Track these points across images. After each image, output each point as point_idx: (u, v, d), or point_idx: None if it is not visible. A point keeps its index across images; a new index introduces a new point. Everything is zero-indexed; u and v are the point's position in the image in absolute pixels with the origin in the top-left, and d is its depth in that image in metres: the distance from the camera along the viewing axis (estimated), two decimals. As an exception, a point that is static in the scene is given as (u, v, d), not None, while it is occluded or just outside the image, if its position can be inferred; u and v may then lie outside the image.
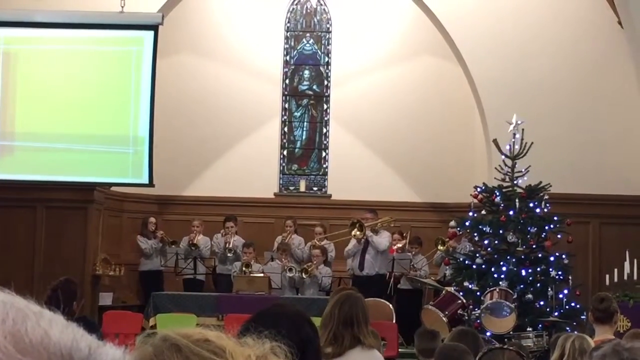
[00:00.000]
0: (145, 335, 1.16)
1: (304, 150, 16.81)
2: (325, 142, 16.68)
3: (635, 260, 11.95)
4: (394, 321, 11.38)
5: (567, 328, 10.01)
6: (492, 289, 10.45)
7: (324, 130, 16.70)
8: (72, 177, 13.41)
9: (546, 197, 11.33)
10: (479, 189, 11.62)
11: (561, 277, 11.03)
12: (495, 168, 11.73)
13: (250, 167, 16.07)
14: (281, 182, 16.63)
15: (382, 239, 13.65)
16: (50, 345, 0.93)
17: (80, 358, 0.95)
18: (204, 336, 1.12)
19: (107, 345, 0.99)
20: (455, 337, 5.66)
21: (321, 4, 16.84)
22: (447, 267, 12.22)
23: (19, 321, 0.93)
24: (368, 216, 13.84)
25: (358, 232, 13.51)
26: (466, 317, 10.38)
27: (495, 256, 11.11)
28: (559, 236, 11.37)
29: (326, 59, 16.81)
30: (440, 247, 13.75)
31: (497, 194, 11.37)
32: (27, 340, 0.92)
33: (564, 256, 11.12)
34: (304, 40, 16.92)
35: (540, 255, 11.16)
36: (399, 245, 14.06)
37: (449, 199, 15.45)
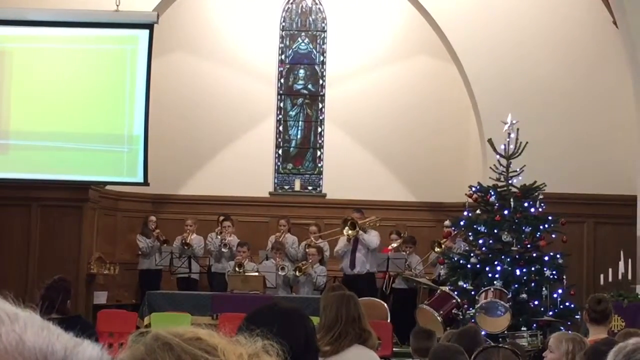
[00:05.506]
0: (137, 334, 1.15)
1: (299, 150, 16.80)
2: (320, 141, 16.67)
3: (629, 260, 11.95)
4: (389, 320, 11.37)
5: (562, 327, 10.01)
6: (486, 288, 10.44)
7: (319, 129, 16.70)
8: (66, 176, 13.38)
9: (541, 196, 11.31)
10: (473, 189, 11.60)
11: (555, 277, 11.02)
12: (490, 168, 11.71)
13: (245, 166, 16.06)
14: (276, 181, 16.62)
15: (373, 237, 13.69)
16: (25, 350, 0.93)
17: None
18: (196, 334, 1.12)
19: (84, 343, 0.99)
20: (456, 336, 5.67)
21: (316, 3, 16.83)
22: (442, 267, 12.21)
23: None
24: (356, 216, 13.86)
25: (351, 231, 13.51)
26: (461, 317, 10.38)
27: (490, 256, 11.09)
28: (553, 236, 11.36)
29: (321, 58, 16.81)
30: (437, 250, 13.67)
31: (492, 193, 11.35)
32: (2, 346, 0.92)
33: (558, 256, 11.11)
34: (299, 39, 16.91)
35: (534, 254, 11.14)
36: (395, 244, 14.06)
37: (444, 199, 15.46)
